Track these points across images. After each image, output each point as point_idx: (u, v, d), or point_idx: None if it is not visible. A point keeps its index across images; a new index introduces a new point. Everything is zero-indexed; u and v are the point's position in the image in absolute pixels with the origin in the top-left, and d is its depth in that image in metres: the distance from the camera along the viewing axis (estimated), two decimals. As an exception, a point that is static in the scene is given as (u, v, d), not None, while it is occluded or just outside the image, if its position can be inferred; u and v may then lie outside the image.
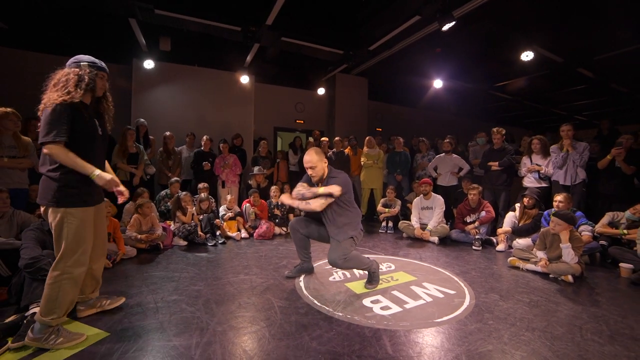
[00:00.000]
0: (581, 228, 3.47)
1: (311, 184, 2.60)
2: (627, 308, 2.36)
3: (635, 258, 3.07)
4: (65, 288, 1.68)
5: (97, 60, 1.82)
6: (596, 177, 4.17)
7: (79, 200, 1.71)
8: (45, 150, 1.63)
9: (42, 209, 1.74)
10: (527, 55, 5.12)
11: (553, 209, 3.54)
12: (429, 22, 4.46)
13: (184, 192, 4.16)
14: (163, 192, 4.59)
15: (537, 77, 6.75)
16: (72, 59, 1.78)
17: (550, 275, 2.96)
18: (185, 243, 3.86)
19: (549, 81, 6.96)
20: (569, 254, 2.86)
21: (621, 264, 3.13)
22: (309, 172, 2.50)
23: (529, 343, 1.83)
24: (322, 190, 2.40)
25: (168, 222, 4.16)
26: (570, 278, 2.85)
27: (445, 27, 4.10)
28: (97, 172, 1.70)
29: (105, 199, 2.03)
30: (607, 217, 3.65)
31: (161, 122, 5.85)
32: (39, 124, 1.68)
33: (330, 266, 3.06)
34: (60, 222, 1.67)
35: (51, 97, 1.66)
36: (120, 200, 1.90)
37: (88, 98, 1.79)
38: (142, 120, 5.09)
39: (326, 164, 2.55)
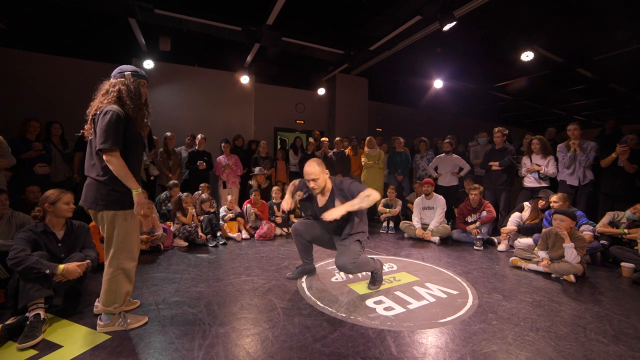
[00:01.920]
0: (582, 228, 3.47)
1: (307, 191, 2.56)
2: (630, 307, 2.36)
3: (636, 257, 3.07)
4: (121, 281, 1.84)
5: (138, 69, 1.92)
6: (599, 176, 4.17)
7: (126, 203, 1.81)
8: (104, 157, 1.71)
9: (90, 212, 1.83)
10: (527, 56, 5.12)
11: (551, 209, 3.55)
12: (429, 22, 4.46)
13: (185, 193, 4.14)
14: (163, 195, 4.58)
15: (537, 77, 6.77)
16: (117, 70, 1.89)
17: (552, 275, 2.96)
18: (185, 244, 3.84)
19: (548, 81, 6.98)
20: (572, 254, 2.86)
21: (623, 264, 3.13)
22: (311, 184, 2.41)
23: (534, 343, 1.82)
24: (357, 202, 2.27)
25: (168, 223, 4.14)
26: (572, 278, 2.85)
27: (446, 27, 4.10)
28: (141, 189, 1.83)
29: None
30: (607, 217, 3.65)
31: (161, 122, 5.82)
32: (90, 129, 1.80)
33: (334, 267, 3.07)
34: (112, 224, 1.79)
35: (103, 103, 1.77)
36: None
37: (136, 106, 1.87)
38: (145, 120, 5.07)
39: (327, 175, 2.49)
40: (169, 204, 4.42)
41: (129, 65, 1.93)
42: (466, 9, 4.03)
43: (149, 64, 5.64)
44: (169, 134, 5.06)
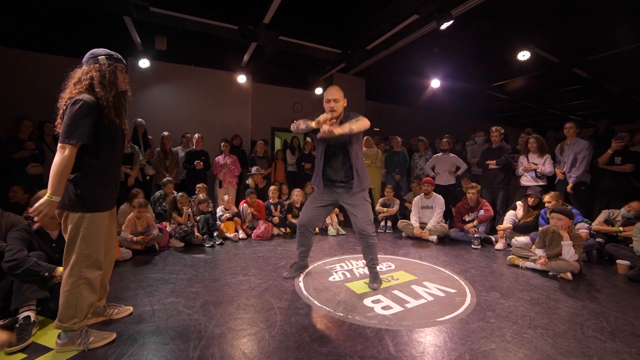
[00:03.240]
0: (578, 226, 3.49)
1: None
2: (626, 304, 2.37)
3: (631, 255, 3.09)
4: (83, 293, 1.64)
5: (113, 52, 1.74)
6: (596, 174, 4.19)
7: (97, 205, 1.66)
8: (58, 147, 1.53)
9: (57, 212, 1.65)
10: (523, 55, 5.13)
11: (547, 208, 3.57)
12: (427, 22, 4.46)
13: (180, 193, 4.10)
14: (158, 193, 4.53)
15: (533, 77, 6.79)
16: (88, 55, 1.69)
17: (550, 273, 2.96)
18: (182, 244, 3.80)
19: (544, 81, 7.01)
20: (569, 252, 2.87)
21: (618, 261, 3.15)
22: (331, 104, 2.42)
23: (532, 341, 1.81)
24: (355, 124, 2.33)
25: (164, 223, 4.10)
26: (569, 275, 2.85)
27: (444, 26, 4.09)
28: (55, 198, 1.53)
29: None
30: (603, 215, 3.68)
31: (157, 122, 5.78)
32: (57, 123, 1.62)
33: (332, 266, 3.06)
34: (76, 227, 1.61)
35: (73, 93, 1.60)
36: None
37: (111, 95, 1.68)
38: (140, 120, 5.02)
39: (345, 104, 2.54)
40: (164, 203, 4.39)
41: (101, 49, 1.72)
42: (463, 8, 4.03)
43: (144, 63, 5.59)
44: (166, 133, 5.02)
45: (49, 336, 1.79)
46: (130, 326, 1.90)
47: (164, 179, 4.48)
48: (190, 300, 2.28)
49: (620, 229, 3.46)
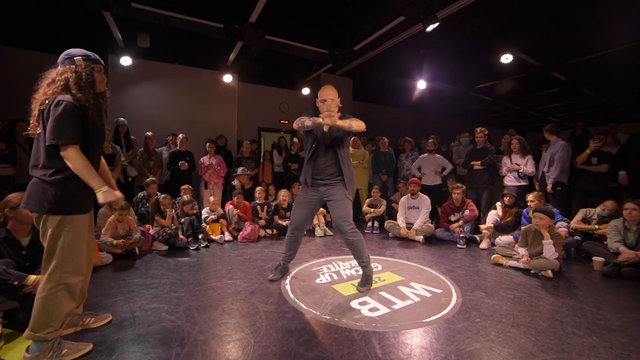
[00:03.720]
0: (557, 224, 3.60)
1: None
2: (601, 300, 2.47)
3: (606, 252, 3.22)
4: (61, 300, 1.56)
5: (90, 53, 1.67)
6: (574, 174, 4.34)
7: (77, 208, 1.60)
8: (62, 153, 1.49)
9: (33, 216, 1.60)
10: (506, 58, 5.26)
11: (529, 208, 3.68)
12: (413, 23, 4.51)
13: (163, 195, 3.99)
14: (140, 194, 4.40)
15: (515, 80, 6.98)
16: (63, 55, 1.63)
17: (532, 271, 3.03)
18: (165, 247, 3.70)
19: (526, 84, 7.22)
20: (549, 250, 2.95)
21: (594, 258, 3.27)
22: (328, 103, 2.42)
23: (515, 339, 1.84)
24: (348, 122, 2.34)
25: (147, 225, 3.98)
26: (550, 273, 2.93)
27: (429, 28, 4.14)
28: (106, 187, 1.58)
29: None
30: (580, 214, 3.82)
31: (140, 121, 5.61)
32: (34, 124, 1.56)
33: (319, 268, 3.04)
34: (56, 231, 1.55)
35: (47, 94, 1.54)
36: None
37: (90, 96, 1.63)
38: (122, 119, 4.85)
39: (339, 104, 2.54)
40: (147, 204, 4.26)
41: (77, 49, 1.65)
42: (448, 10, 4.09)
43: (126, 61, 5.41)
44: (149, 133, 4.88)
45: (16, 351, 1.67)
46: (109, 335, 1.82)
47: (147, 179, 4.35)
48: (173, 305, 2.21)
49: (596, 227, 3.61)
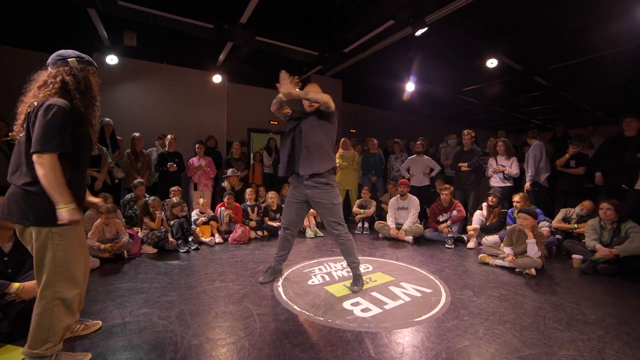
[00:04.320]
0: (540, 224, 3.74)
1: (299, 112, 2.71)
2: (580, 295, 2.60)
3: (584, 249, 3.38)
4: (58, 315, 1.48)
5: (83, 55, 1.60)
6: (555, 176, 4.52)
7: None
8: (34, 158, 1.38)
9: (17, 228, 1.50)
10: (492, 62, 5.42)
11: (514, 208, 3.81)
12: (402, 27, 4.59)
13: (152, 197, 3.92)
14: (128, 196, 4.32)
15: (500, 83, 7.19)
16: (55, 56, 1.55)
17: (516, 270, 3.14)
18: (154, 251, 3.64)
19: (510, 87, 7.45)
20: (533, 249, 3.06)
21: (573, 255, 3.43)
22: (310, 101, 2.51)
23: (501, 336, 1.92)
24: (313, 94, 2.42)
25: (135, 228, 3.90)
26: (533, 271, 3.05)
27: (418, 33, 4.23)
28: (73, 205, 1.46)
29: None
30: (561, 214, 3.99)
31: (127, 122, 5.50)
32: (18, 125, 1.47)
33: (311, 270, 3.06)
34: (43, 244, 1.45)
35: (38, 97, 1.45)
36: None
37: (88, 100, 1.57)
38: (107, 119, 4.73)
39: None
40: (135, 206, 4.18)
41: (70, 50, 1.57)
42: (437, 15, 4.20)
43: (112, 60, 5.29)
44: (137, 134, 4.78)
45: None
46: (100, 342, 1.79)
47: (135, 181, 4.27)
48: (165, 310, 2.19)
49: (575, 226, 3.77)
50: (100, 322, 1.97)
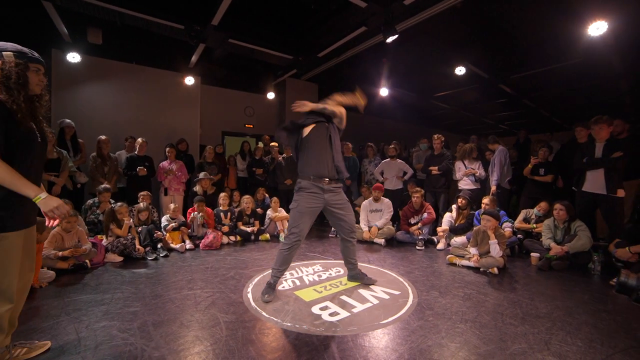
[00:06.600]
0: (504, 225, 3.96)
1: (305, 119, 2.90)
2: (535, 291, 2.77)
3: (542, 248, 3.61)
4: None
5: (26, 50, 1.48)
6: (522, 182, 4.77)
7: (8, 224, 1.41)
8: None
9: None
10: (460, 70, 5.67)
11: (481, 210, 3.99)
12: (374, 34, 4.70)
13: (119, 203, 3.75)
14: (90, 201, 4.10)
15: (468, 90, 7.53)
16: None
17: (481, 269, 3.29)
18: (120, 259, 3.47)
19: (478, 94, 7.81)
20: (495, 249, 3.22)
21: (531, 254, 3.65)
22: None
23: (462, 334, 2.00)
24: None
25: (99, 236, 3.71)
26: (495, 270, 3.21)
27: (389, 40, 4.35)
28: (44, 195, 1.42)
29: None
30: (522, 214, 4.22)
31: (91, 124, 5.24)
32: None
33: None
34: None
35: None
36: (50, 223, 1.57)
37: (20, 98, 1.45)
38: (68, 121, 4.47)
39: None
40: (98, 211, 3.98)
41: (9, 43, 1.46)
42: (407, 24, 4.34)
43: (74, 57, 5.01)
44: (103, 137, 4.56)
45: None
46: (48, 361, 1.68)
47: (100, 187, 4.06)
48: (127, 322, 2.09)
49: (534, 225, 4.02)
50: (49, 342, 1.77)
